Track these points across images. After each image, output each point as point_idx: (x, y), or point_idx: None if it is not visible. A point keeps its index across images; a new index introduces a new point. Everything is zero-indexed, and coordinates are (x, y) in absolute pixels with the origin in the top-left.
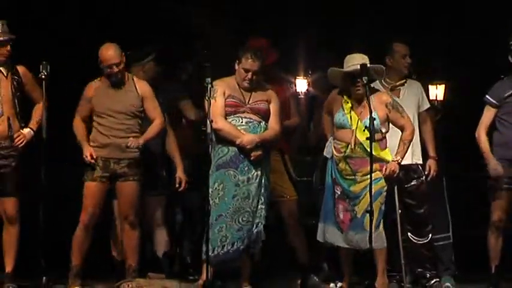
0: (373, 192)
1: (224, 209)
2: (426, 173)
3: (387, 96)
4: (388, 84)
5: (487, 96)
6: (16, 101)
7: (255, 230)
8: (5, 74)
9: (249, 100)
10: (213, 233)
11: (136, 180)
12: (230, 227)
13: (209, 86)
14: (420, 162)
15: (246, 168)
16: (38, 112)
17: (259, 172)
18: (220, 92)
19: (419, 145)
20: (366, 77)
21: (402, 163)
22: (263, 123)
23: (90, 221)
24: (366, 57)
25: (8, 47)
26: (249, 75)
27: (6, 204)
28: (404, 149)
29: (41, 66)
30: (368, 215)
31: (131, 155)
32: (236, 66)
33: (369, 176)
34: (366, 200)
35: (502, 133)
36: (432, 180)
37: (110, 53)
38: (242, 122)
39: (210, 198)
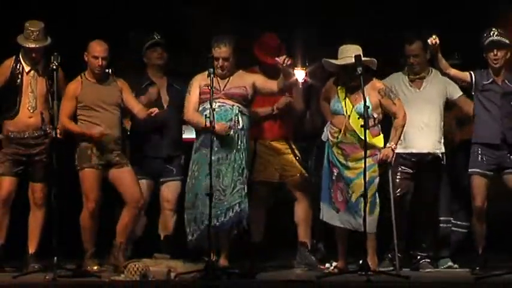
0: (366, 180)
1: (199, 188)
2: None
3: (380, 83)
4: (408, 77)
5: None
6: (50, 96)
7: (237, 210)
8: (40, 72)
9: (224, 87)
10: (197, 212)
11: (129, 166)
12: (205, 204)
13: (211, 75)
14: (440, 151)
15: (216, 149)
16: None
17: (229, 153)
18: (195, 86)
19: (440, 135)
20: (361, 67)
21: (420, 152)
22: (236, 106)
23: (94, 206)
24: (360, 48)
25: (41, 52)
26: (220, 62)
27: (36, 188)
28: (397, 135)
29: (52, 57)
30: (363, 199)
31: (119, 146)
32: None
33: (360, 162)
34: (360, 185)
35: (483, 120)
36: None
37: (103, 46)
38: (215, 106)
39: (189, 180)
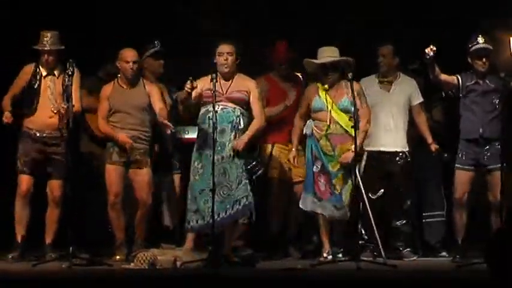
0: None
1: (205, 184)
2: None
3: (358, 85)
4: (378, 79)
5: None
6: (65, 98)
7: (244, 203)
8: (57, 75)
9: (226, 91)
10: (200, 205)
11: (148, 167)
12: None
13: (214, 80)
14: (406, 149)
15: (219, 148)
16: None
17: (232, 151)
18: (198, 88)
19: (405, 135)
20: (351, 73)
21: (388, 150)
22: (237, 109)
23: (116, 200)
24: (337, 49)
25: (55, 56)
26: (224, 56)
27: (54, 186)
28: (362, 137)
29: (67, 64)
30: (347, 191)
31: (143, 145)
32: (214, 60)
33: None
34: (342, 179)
35: (466, 117)
36: (429, 163)
37: (132, 52)
38: (218, 109)
39: (191, 175)
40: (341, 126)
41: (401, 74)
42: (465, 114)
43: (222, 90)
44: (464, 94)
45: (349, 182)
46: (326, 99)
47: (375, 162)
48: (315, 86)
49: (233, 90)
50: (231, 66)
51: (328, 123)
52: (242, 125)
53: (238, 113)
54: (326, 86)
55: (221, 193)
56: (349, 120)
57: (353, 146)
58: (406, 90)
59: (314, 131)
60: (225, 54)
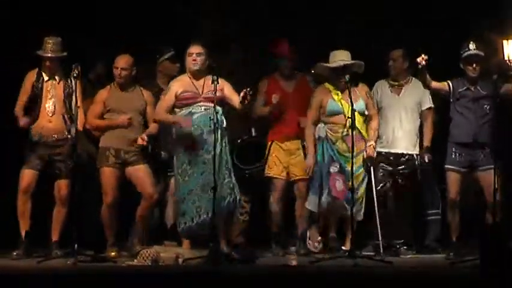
0: (363, 172)
1: (194, 184)
2: (421, 160)
3: (366, 87)
4: (389, 82)
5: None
6: (67, 101)
7: (226, 201)
8: (57, 80)
9: (202, 91)
10: (188, 206)
11: (145, 163)
12: (202, 198)
13: (215, 82)
14: (414, 152)
15: (210, 148)
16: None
17: (220, 149)
18: (172, 91)
19: (415, 137)
20: (348, 76)
21: (395, 152)
22: (218, 108)
23: (112, 201)
24: (349, 53)
25: (57, 62)
26: (193, 56)
27: (60, 186)
28: (375, 135)
29: (73, 66)
30: (362, 191)
31: (138, 146)
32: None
33: (361, 154)
34: (359, 176)
35: (457, 121)
36: (427, 164)
37: (122, 59)
38: (201, 109)
39: (179, 177)
40: (358, 129)
41: (413, 78)
42: (456, 118)
43: (197, 90)
44: (455, 99)
45: (365, 180)
46: (341, 103)
47: (382, 162)
48: (324, 88)
49: (208, 90)
50: (201, 66)
51: (344, 126)
52: (225, 124)
53: (221, 112)
54: (339, 92)
55: (210, 192)
56: (364, 122)
57: (371, 142)
58: (416, 94)
59: (328, 134)
60: (194, 54)
